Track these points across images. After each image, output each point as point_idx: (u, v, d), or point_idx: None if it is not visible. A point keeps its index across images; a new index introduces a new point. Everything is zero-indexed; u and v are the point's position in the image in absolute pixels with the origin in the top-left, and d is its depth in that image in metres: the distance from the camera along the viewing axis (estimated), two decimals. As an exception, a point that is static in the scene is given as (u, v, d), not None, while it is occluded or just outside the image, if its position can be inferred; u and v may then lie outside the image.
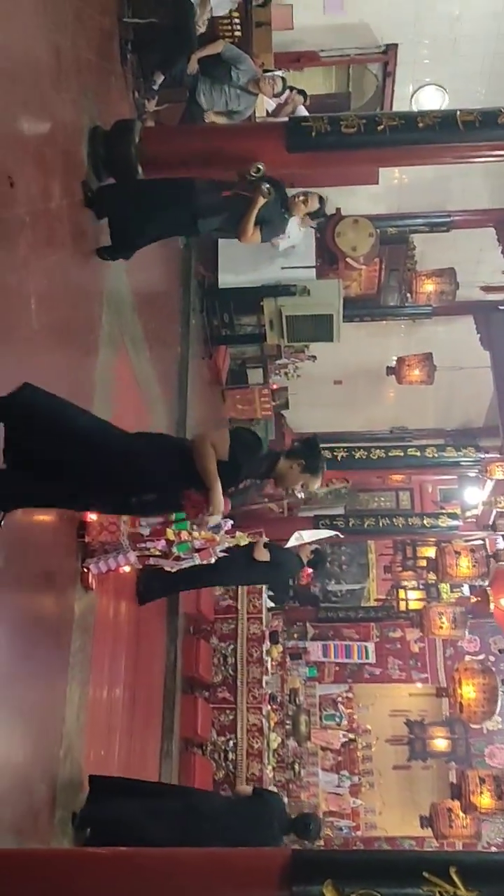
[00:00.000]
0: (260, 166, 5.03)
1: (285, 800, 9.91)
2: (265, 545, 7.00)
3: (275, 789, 8.90)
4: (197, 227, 5.16)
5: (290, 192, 5.83)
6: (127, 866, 2.30)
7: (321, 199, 5.49)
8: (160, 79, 6.45)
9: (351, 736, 13.57)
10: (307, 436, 3.96)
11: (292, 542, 7.53)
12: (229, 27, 7.40)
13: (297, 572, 7.72)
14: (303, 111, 7.64)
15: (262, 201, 5.05)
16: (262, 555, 7.05)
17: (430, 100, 9.23)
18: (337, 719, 13.20)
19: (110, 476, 3.34)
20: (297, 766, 11.11)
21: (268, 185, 5.04)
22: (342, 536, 9.89)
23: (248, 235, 5.17)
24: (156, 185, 5.31)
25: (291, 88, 8.10)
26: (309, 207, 5.59)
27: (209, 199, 5.05)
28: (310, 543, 7.64)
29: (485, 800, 8.30)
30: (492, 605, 9.35)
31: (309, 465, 3.71)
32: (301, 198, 5.50)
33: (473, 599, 10.16)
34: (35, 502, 3.52)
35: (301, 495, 3.91)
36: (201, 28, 6.65)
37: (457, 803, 8.62)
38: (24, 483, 3.24)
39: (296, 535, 7.59)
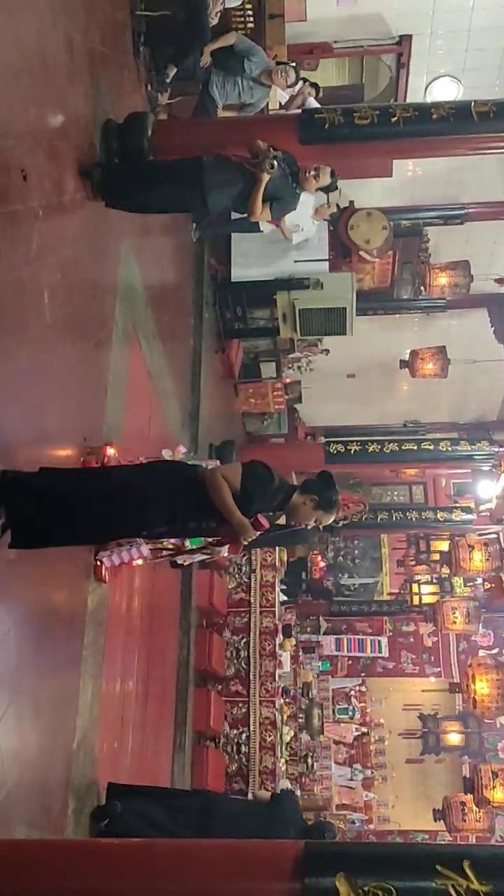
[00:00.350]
0: (275, 153, 4.91)
1: (298, 792, 9.96)
2: None
3: (287, 782, 8.92)
4: (207, 204, 5.04)
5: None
6: (141, 857, 2.31)
7: (333, 173, 5.25)
8: (173, 72, 6.44)
9: (364, 729, 13.59)
10: (322, 471, 3.89)
11: None
12: (242, 19, 7.38)
13: (311, 537, 7.71)
14: (313, 103, 7.61)
15: (266, 178, 4.90)
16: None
17: (445, 91, 9.17)
18: (350, 713, 13.22)
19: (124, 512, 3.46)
20: (309, 760, 11.14)
21: (272, 161, 4.87)
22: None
23: (258, 213, 5.06)
24: (164, 164, 5.26)
25: (304, 80, 8.07)
26: (320, 182, 5.31)
27: (217, 175, 4.95)
28: None
29: (498, 794, 8.29)
30: (505, 592, 9.33)
31: (322, 502, 3.70)
32: (312, 172, 5.23)
33: (487, 586, 10.10)
34: (58, 541, 3.58)
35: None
36: (214, 20, 6.63)
37: (470, 797, 8.62)
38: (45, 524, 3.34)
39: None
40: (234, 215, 8.62)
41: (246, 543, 3.61)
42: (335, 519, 3.93)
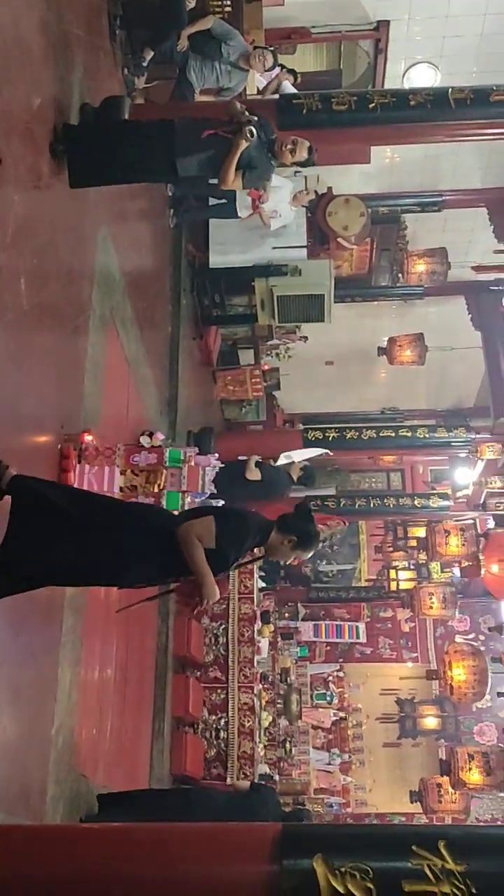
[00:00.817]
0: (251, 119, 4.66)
1: (276, 777, 10.03)
2: (256, 464, 7.10)
3: (266, 767, 8.98)
4: (176, 169, 4.73)
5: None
6: (119, 841, 2.32)
7: (311, 149, 4.97)
8: (150, 55, 6.39)
9: (341, 714, 13.68)
10: (300, 504, 3.80)
11: (282, 461, 7.66)
12: (219, 3, 7.33)
13: (287, 489, 7.76)
14: (290, 88, 7.57)
15: (243, 145, 4.63)
16: (254, 474, 7.19)
17: (423, 77, 9.17)
18: (328, 698, 13.31)
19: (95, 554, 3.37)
20: (288, 745, 11.21)
21: (251, 128, 4.62)
22: (331, 454, 9.88)
23: (230, 181, 4.79)
24: (132, 125, 5.11)
25: (282, 66, 8.04)
26: (297, 157, 5.02)
27: (189, 139, 4.70)
28: (299, 462, 7.76)
29: (474, 776, 8.40)
30: (483, 571, 9.39)
31: (300, 543, 3.64)
32: (289, 146, 4.93)
33: (464, 563, 10.18)
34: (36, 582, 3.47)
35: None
36: (191, 4, 6.59)
37: (446, 779, 8.73)
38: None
39: (285, 454, 7.74)
40: (212, 201, 8.66)
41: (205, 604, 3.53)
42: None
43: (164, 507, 4.57)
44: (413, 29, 8.81)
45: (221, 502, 5.09)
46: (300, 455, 8.11)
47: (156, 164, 4.77)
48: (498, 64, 8.67)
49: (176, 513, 3.99)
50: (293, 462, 7.82)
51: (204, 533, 3.38)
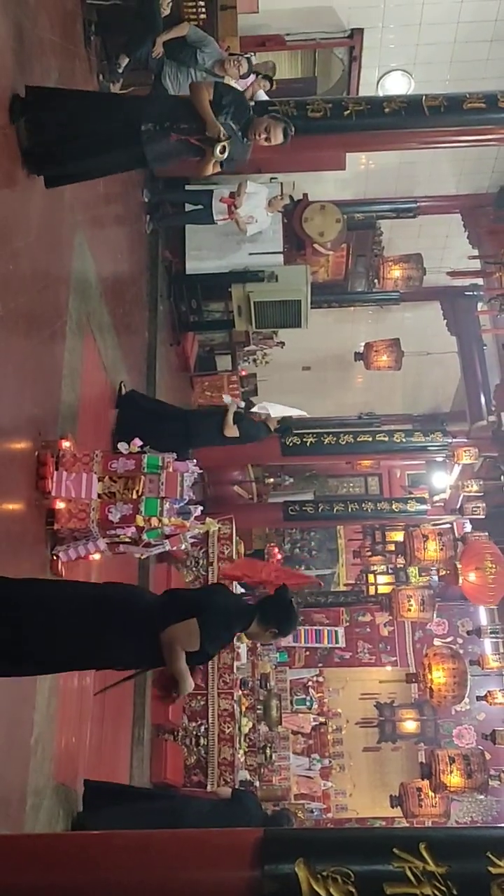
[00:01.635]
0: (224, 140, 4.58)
1: (257, 783, 10.01)
2: (235, 416, 7.12)
3: (246, 773, 8.96)
4: (144, 154, 4.47)
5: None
6: (99, 849, 2.30)
7: (286, 132, 4.79)
8: (125, 61, 6.39)
9: (321, 719, 13.68)
10: (281, 593, 3.73)
11: (258, 409, 7.71)
12: (194, 10, 7.35)
13: (263, 439, 7.86)
14: (263, 96, 7.60)
15: (211, 161, 4.55)
16: (232, 431, 7.22)
17: (397, 85, 9.23)
18: (308, 703, 13.31)
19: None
20: (268, 750, 11.18)
21: (224, 144, 4.50)
22: (307, 416, 9.85)
23: (206, 173, 4.69)
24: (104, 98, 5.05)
25: (257, 74, 8.06)
26: (273, 142, 4.86)
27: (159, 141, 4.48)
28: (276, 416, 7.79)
29: (454, 779, 8.42)
30: (460, 580, 9.44)
31: (281, 631, 3.69)
32: (264, 134, 4.77)
33: (442, 572, 10.23)
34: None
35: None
36: (166, 10, 6.60)
37: (426, 783, 8.74)
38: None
39: (261, 405, 7.78)
40: (188, 206, 8.67)
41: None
42: None
43: (143, 512, 4.55)
44: (387, 37, 8.88)
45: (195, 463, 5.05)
46: (278, 410, 8.15)
47: (120, 141, 4.52)
48: (471, 72, 8.76)
49: (154, 596, 3.83)
50: (269, 414, 7.87)
51: (188, 639, 3.32)
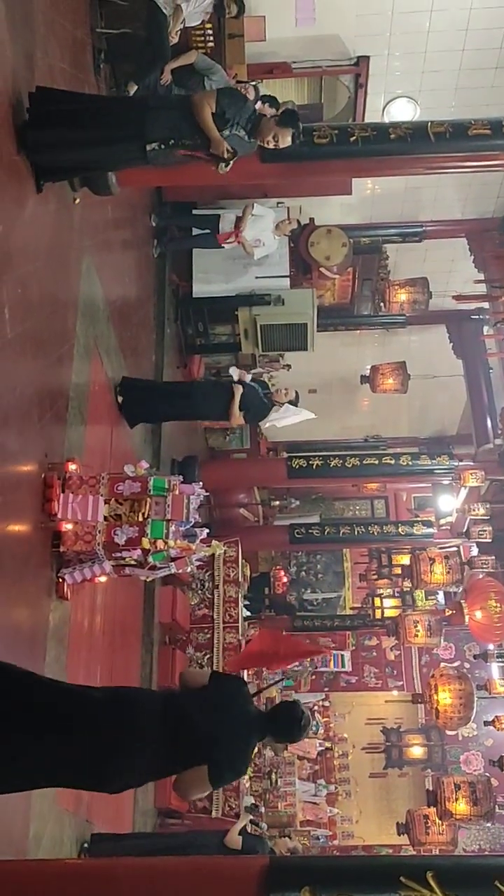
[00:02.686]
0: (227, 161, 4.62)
1: (262, 809, 9.91)
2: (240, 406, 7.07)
3: (251, 799, 8.88)
4: (145, 154, 4.54)
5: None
6: (104, 877, 2.28)
7: (295, 135, 4.78)
8: (133, 89, 6.47)
9: (327, 744, 13.58)
10: (292, 709, 3.32)
11: (273, 416, 7.73)
12: (202, 38, 7.44)
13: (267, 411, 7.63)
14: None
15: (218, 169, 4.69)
16: (238, 420, 7.26)
17: (402, 111, 9.31)
18: (313, 728, 13.20)
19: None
20: (273, 776, 11.09)
21: (227, 162, 4.63)
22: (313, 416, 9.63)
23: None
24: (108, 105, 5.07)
25: (263, 100, 8.15)
26: (280, 145, 4.86)
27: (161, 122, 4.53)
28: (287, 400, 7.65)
29: (461, 806, 8.32)
30: (466, 618, 9.40)
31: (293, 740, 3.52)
32: (272, 142, 4.77)
33: (448, 612, 10.20)
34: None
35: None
36: (174, 39, 6.68)
37: (433, 810, 8.63)
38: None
39: (277, 412, 7.75)
40: (195, 231, 8.74)
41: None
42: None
43: (149, 535, 4.55)
44: (392, 64, 8.97)
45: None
46: (290, 419, 8.08)
47: (125, 144, 4.56)
48: (476, 99, 8.84)
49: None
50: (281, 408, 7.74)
51: (198, 785, 3.12)
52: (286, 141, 4.80)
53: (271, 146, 4.82)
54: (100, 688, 3.36)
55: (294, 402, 7.48)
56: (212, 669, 3.50)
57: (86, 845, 4.89)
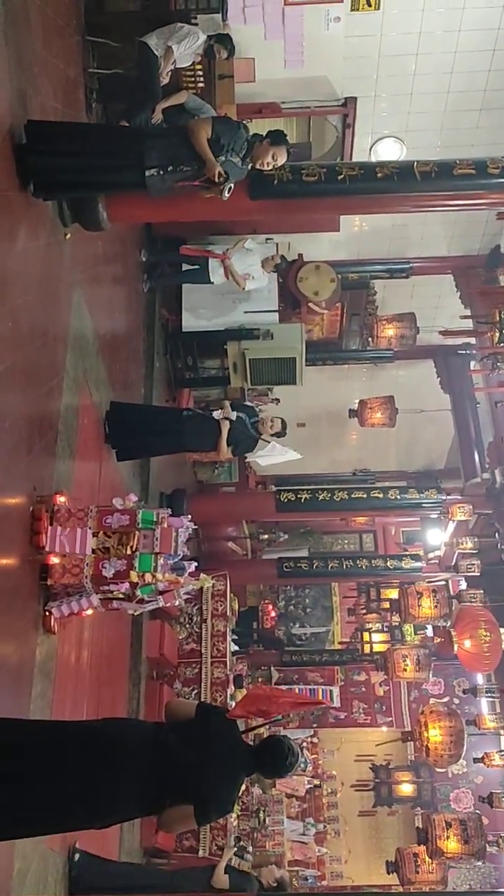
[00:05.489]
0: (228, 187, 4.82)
1: (250, 848, 9.76)
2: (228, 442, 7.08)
3: (238, 836, 8.74)
4: (144, 180, 4.69)
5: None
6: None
7: (289, 153, 4.96)
8: (126, 126, 6.56)
9: (316, 782, 13.41)
10: (279, 745, 3.27)
11: (259, 456, 7.84)
12: (192, 79, 7.56)
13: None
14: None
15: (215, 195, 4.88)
16: (226, 455, 7.26)
17: (389, 151, 9.48)
18: (302, 765, 13.05)
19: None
20: (261, 814, 10.93)
21: (227, 189, 4.82)
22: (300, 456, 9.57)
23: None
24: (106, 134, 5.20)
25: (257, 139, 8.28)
26: (277, 163, 5.01)
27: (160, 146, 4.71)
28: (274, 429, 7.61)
29: (451, 844, 8.21)
30: (455, 647, 9.36)
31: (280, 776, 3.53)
32: (270, 162, 4.93)
33: (437, 640, 10.16)
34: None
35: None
36: (165, 79, 6.80)
37: (423, 848, 8.52)
38: None
39: (263, 457, 7.74)
40: (185, 266, 8.82)
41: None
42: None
43: (137, 568, 4.54)
44: (380, 105, 9.15)
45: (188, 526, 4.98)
46: (275, 458, 8.08)
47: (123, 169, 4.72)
48: (461, 139, 9.02)
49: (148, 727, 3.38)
50: (268, 446, 7.73)
51: (184, 823, 3.13)
52: (283, 158, 4.99)
53: (269, 167, 5.00)
54: (86, 721, 3.34)
55: (281, 433, 7.51)
56: (199, 701, 3.47)
57: (76, 857, 4.78)
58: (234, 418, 7.11)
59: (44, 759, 2.88)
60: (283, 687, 13.48)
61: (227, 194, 4.87)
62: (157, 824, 3.10)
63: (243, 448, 7.49)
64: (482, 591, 10.23)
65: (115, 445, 6.58)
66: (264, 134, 4.99)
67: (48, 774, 2.86)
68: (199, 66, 7.43)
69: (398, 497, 10.67)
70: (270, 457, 8.04)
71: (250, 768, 3.27)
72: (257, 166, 4.97)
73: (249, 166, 4.98)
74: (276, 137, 4.95)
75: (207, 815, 3.16)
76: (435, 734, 8.92)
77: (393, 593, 12.02)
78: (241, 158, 4.87)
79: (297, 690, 13.60)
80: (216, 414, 7.10)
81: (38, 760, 2.87)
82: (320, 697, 13.77)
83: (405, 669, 10.25)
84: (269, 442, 7.53)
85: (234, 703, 8.79)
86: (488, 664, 9.46)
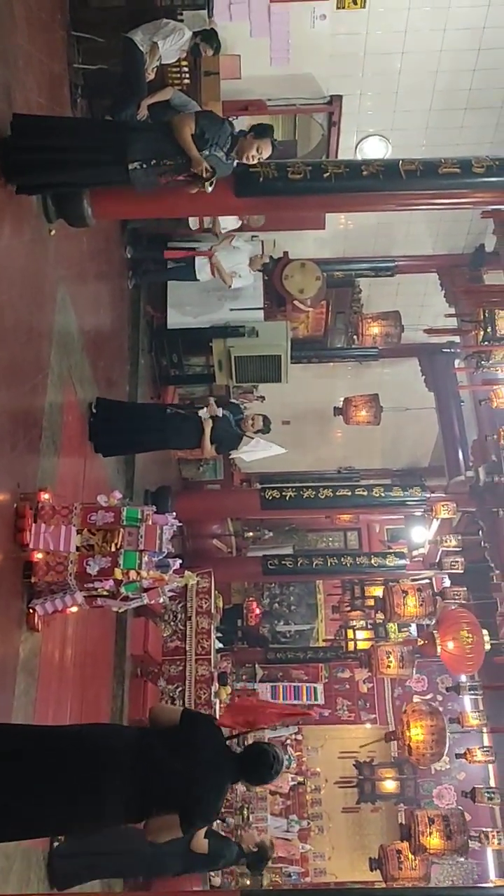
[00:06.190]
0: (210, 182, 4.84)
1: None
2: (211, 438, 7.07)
3: (223, 834, 8.74)
4: (127, 174, 4.69)
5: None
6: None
7: (274, 146, 4.98)
8: (110, 120, 6.53)
9: (300, 779, 13.43)
10: (262, 753, 3.30)
11: (243, 449, 7.83)
12: (178, 75, 7.53)
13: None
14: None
15: (199, 188, 4.91)
16: (210, 453, 7.32)
17: (374, 149, 9.49)
18: (286, 762, 13.06)
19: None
20: (245, 811, 10.94)
21: (210, 182, 4.84)
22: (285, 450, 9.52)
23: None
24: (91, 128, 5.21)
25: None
26: (262, 156, 5.01)
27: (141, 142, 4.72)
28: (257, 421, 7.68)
29: (434, 840, 8.26)
30: (439, 649, 9.41)
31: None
32: (255, 155, 4.92)
33: (420, 642, 10.21)
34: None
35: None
36: (150, 75, 6.77)
37: (406, 845, 8.56)
38: None
39: (247, 448, 7.78)
40: (171, 263, 8.79)
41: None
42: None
43: (121, 565, 4.53)
44: (365, 103, 9.16)
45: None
46: (259, 453, 8.11)
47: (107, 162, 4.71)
48: (446, 138, 9.04)
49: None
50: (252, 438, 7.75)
51: (169, 831, 3.10)
52: (268, 151, 5.00)
53: (255, 160, 5.02)
54: (69, 726, 3.33)
55: (264, 430, 7.53)
56: (183, 707, 3.47)
57: (56, 844, 4.77)
58: (220, 415, 7.11)
59: (26, 770, 2.87)
60: (268, 684, 13.55)
61: (210, 188, 4.88)
62: (144, 831, 3.10)
63: (227, 445, 7.51)
64: (465, 589, 10.29)
65: (97, 441, 6.55)
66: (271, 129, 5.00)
67: (30, 787, 2.85)
68: (184, 63, 7.41)
69: (382, 495, 10.69)
70: (254, 452, 8.05)
71: (235, 776, 3.27)
72: (243, 160, 4.98)
73: (235, 161, 4.98)
74: (261, 130, 4.96)
75: (192, 823, 3.16)
76: (417, 733, 8.97)
77: (377, 591, 12.06)
78: (226, 153, 4.87)
79: (281, 689, 13.65)
80: (202, 412, 7.10)
81: (20, 771, 2.86)
82: (304, 695, 13.81)
83: (389, 666, 10.29)
84: (252, 438, 7.55)
85: (217, 700, 8.81)
86: (471, 665, 9.53)
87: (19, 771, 2.85)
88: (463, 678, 10.52)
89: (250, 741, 3.49)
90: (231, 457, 9.25)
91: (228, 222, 8.51)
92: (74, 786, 2.90)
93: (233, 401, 8.97)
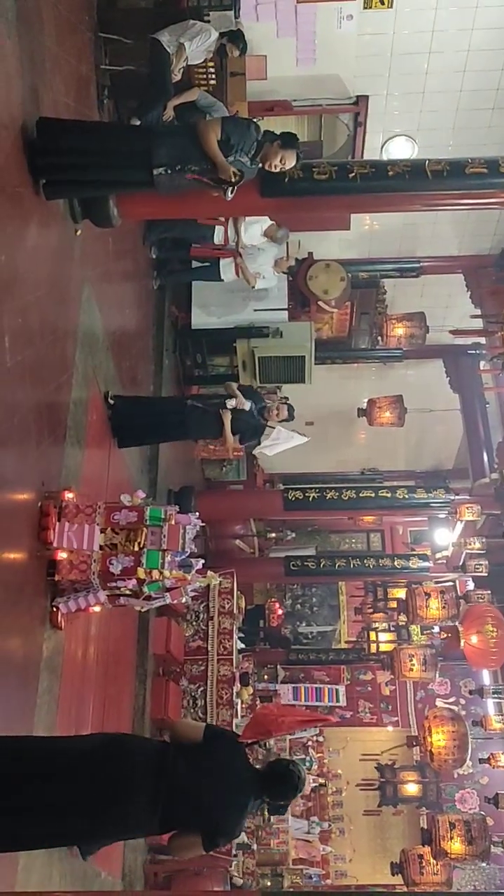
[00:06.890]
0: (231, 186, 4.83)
1: (254, 847, 9.77)
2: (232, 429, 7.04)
3: (244, 836, 8.75)
4: (152, 178, 4.67)
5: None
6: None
7: (298, 157, 4.95)
8: (136, 124, 6.57)
9: (321, 780, 13.40)
10: (282, 771, 3.31)
11: (265, 444, 7.85)
12: (204, 76, 7.55)
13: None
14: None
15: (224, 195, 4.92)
16: (232, 444, 7.26)
17: (400, 150, 9.45)
18: (307, 763, 13.03)
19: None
20: (265, 812, 10.93)
21: (232, 188, 4.85)
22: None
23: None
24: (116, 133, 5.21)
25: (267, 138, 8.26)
26: (285, 166, 4.99)
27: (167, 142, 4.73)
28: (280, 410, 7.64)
29: (455, 845, 8.21)
30: (462, 643, 9.34)
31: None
32: (278, 165, 4.92)
33: (443, 636, 10.14)
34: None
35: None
36: (177, 76, 6.79)
37: (427, 849, 8.51)
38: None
39: (269, 442, 7.72)
40: (195, 264, 8.81)
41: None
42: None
43: (144, 564, 4.54)
44: (391, 104, 9.13)
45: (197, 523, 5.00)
46: (281, 445, 8.08)
47: (132, 167, 4.72)
48: (473, 138, 8.99)
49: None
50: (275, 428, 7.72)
51: (191, 850, 3.13)
52: (291, 162, 4.97)
53: (277, 169, 4.99)
54: (90, 738, 3.35)
55: (288, 419, 7.46)
56: (206, 724, 3.47)
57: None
58: (247, 409, 7.09)
59: (49, 792, 2.86)
60: (290, 686, 13.54)
61: (230, 195, 4.86)
62: (167, 848, 3.13)
63: (250, 436, 7.42)
64: (490, 592, 10.21)
65: (117, 432, 6.52)
66: (276, 133, 4.98)
67: (54, 804, 2.86)
68: (210, 64, 7.42)
69: (406, 497, 10.64)
70: (276, 444, 7.99)
71: (257, 795, 3.26)
72: (265, 167, 4.95)
73: (259, 166, 4.97)
74: (288, 141, 4.93)
75: (215, 843, 3.18)
76: (438, 739, 8.92)
77: (400, 593, 12.01)
78: (251, 158, 4.86)
79: (303, 690, 13.63)
80: (229, 403, 7.08)
81: (43, 792, 2.85)
82: (326, 696, 13.78)
83: (412, 669, 10.24)
84: (273, 428, 7.46)
85: (239, 701, 8.81)
86: (494, 660, 9.44)
87: (46, 790, 2.86)
88: (486, 681, 10.45)
89: (273, 760, 3.46)
90: (254, 452, 9.20)
91: (253, 238, 8.51)
92: (98, 806, 2.92)
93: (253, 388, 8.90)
